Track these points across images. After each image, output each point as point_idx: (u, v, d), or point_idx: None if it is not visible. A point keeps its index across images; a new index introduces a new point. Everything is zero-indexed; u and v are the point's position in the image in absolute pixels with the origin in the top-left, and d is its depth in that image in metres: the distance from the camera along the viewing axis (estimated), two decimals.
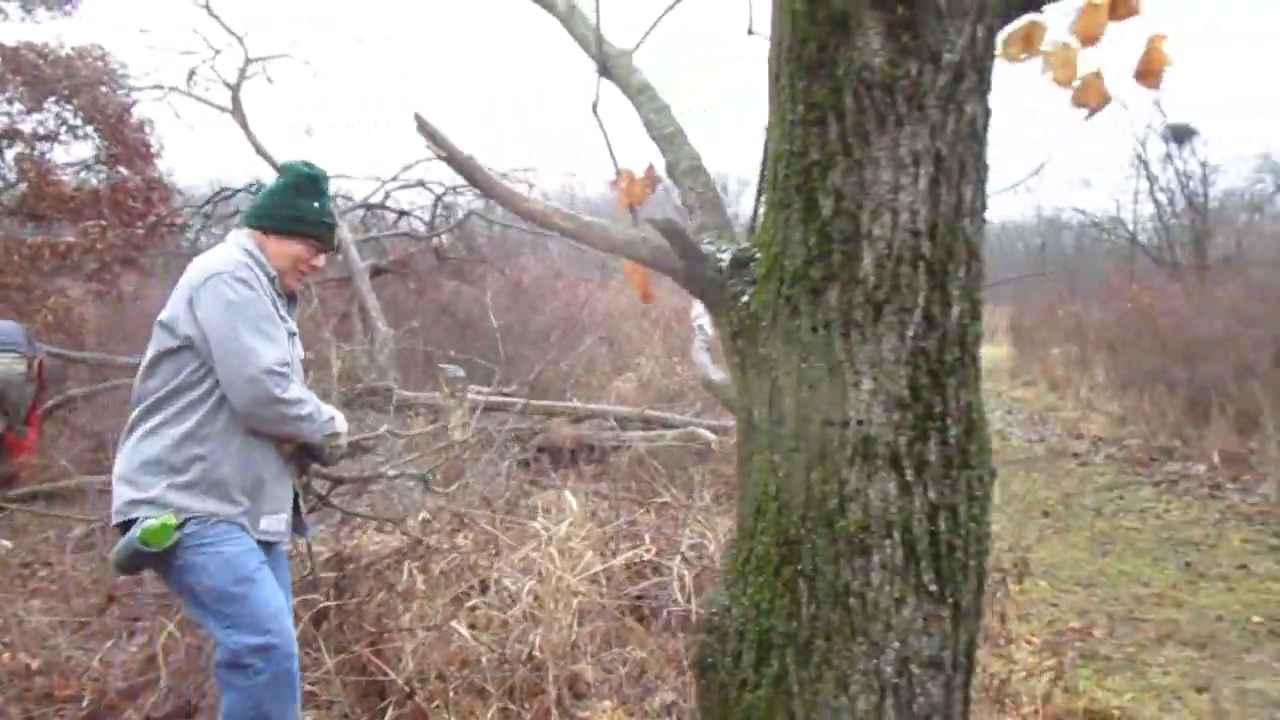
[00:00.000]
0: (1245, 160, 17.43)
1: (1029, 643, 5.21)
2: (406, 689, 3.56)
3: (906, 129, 1.21)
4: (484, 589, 4.19)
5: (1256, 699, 4.69)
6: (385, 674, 3.60)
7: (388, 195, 10.24)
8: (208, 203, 10.03)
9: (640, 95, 1.78)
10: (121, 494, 2.54)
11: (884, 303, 1.21)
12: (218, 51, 9.07)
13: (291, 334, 2.73)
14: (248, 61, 9.21)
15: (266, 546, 2.67)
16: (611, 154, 1.64)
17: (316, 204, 2.75)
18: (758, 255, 1.38)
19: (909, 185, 1.21)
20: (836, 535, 1.20)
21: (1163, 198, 14.51)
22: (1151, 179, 14.53)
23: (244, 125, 9.10)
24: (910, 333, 1.20)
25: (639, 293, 1.70)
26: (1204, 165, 14.18)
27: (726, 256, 1.44)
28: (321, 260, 2.83)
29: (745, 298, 1.36)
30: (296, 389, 2.59)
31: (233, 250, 2.65)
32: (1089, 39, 1.59)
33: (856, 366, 1.22)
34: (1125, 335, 11.59)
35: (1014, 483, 9.01)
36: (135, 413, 2.60)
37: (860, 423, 1.21)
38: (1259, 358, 9.39)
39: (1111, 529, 7.69)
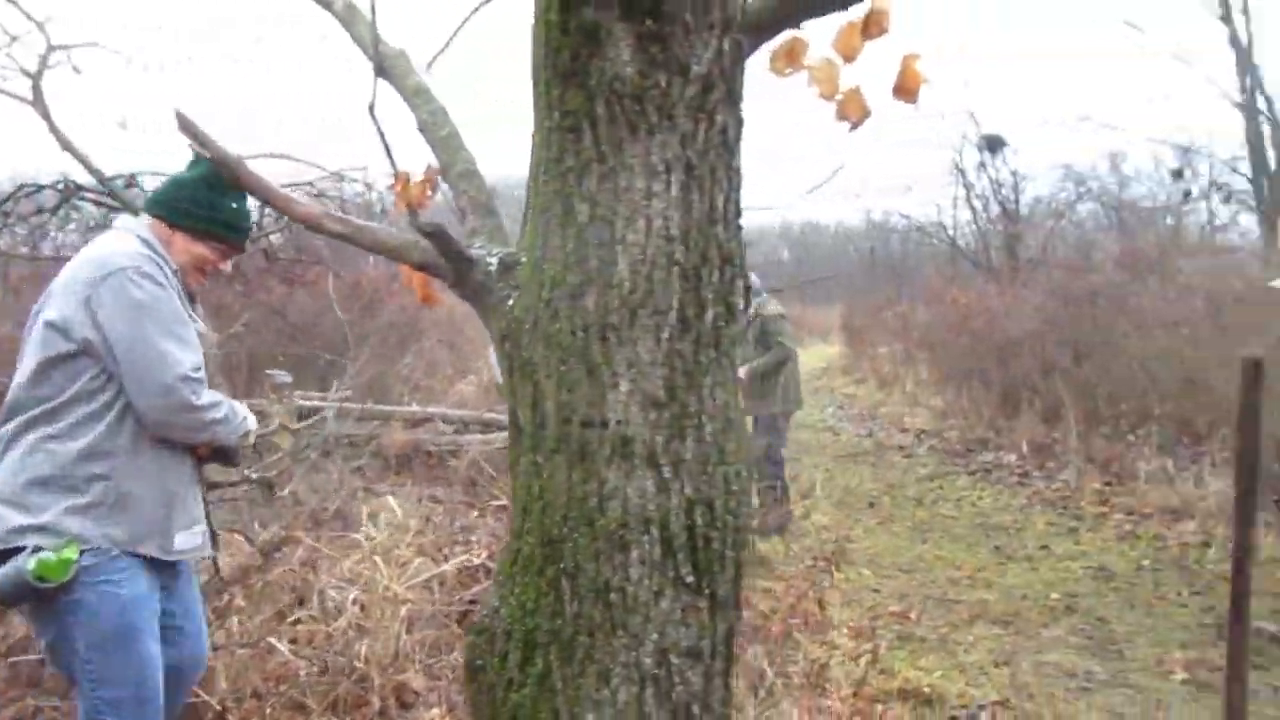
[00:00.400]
0: (1051, 170, 18.78)
1: (850, 628, 5.45)
2: (219, 708, 3.42)
3: (658, 138, 1.25)
4: (303, 602, 4.08)
5: (1052, 670, 5.04)
6: (197, 695, 3.45)
7: None
8: (8, 199, 9.30)
9: (415, 97, 1.77)
10: (2, 517, 2.23)
11: (639, 307, 1.25)
12: (15, 38, 8.42)
13: (199, 334, 2.47)
14: (50, 49, 8.59)
15: (170, 566, 2.43)
16: (389, 155, 1.62)
17: (235, 204, 2.46)
18: (523, 259, 1.40)
19: (661, 192, 1.25)
20: (597, 533, 1.23)
21: (978, 204, 15.49)
22: (968, 186, 15.50)
23: (46, 117, 8.47)
24: (665, 335, 1.25)
25: (419, 296, 1.68)
26: (1014, 174, 15.22)
27: (494, 260, 1.45)
28: (229, 264, 2.57)
29: (511, 301, 1.38)
30: (209, 393, 2.36)
31: (130, 241, 2.33)
32: (849, 56, 1.69)
33: (614, 369, 1.25)
34: (945, 335, 12.27)
35: (841, 476, 9.43)
36: (14, 424, 2.28)
37: (619, 423, 1.25)
38: (1061, 355, 10.12)
39: (930, 517, 8.13)
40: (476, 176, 1.66)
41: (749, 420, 7.53)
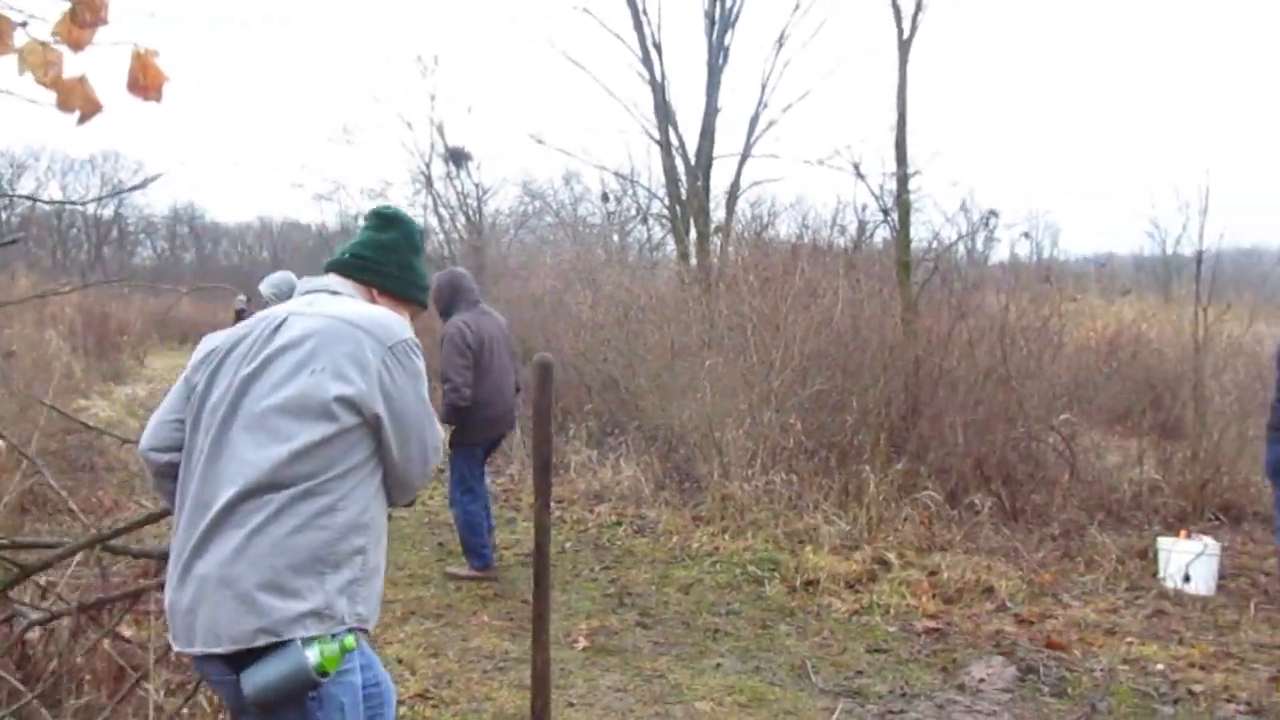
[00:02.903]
0: (513, 184, 20.07)
1: None
2: None
3: None
4: None
5: (475, 655, 5.34)
6: None
7: None
8: None
9: None
10: (272, 607, 2.01)
11: None
12: None
13: None
14: None
15: None
16: None
17: (423, 266, 2.54)
18: None
19: None
20: None
21: (445, 213, 16.10)
22: (436, 196, 16.02)
23: None
24: None
25: None
26: (478, 186, 16.08)
27: None
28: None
29: None
30: None
31: (378, 307, 2.33)
32: (76, 44, 1.59)
33: None
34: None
35: None
36: (269, 501, 2.06)
37: None
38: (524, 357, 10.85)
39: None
40: None
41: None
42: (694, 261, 11.56)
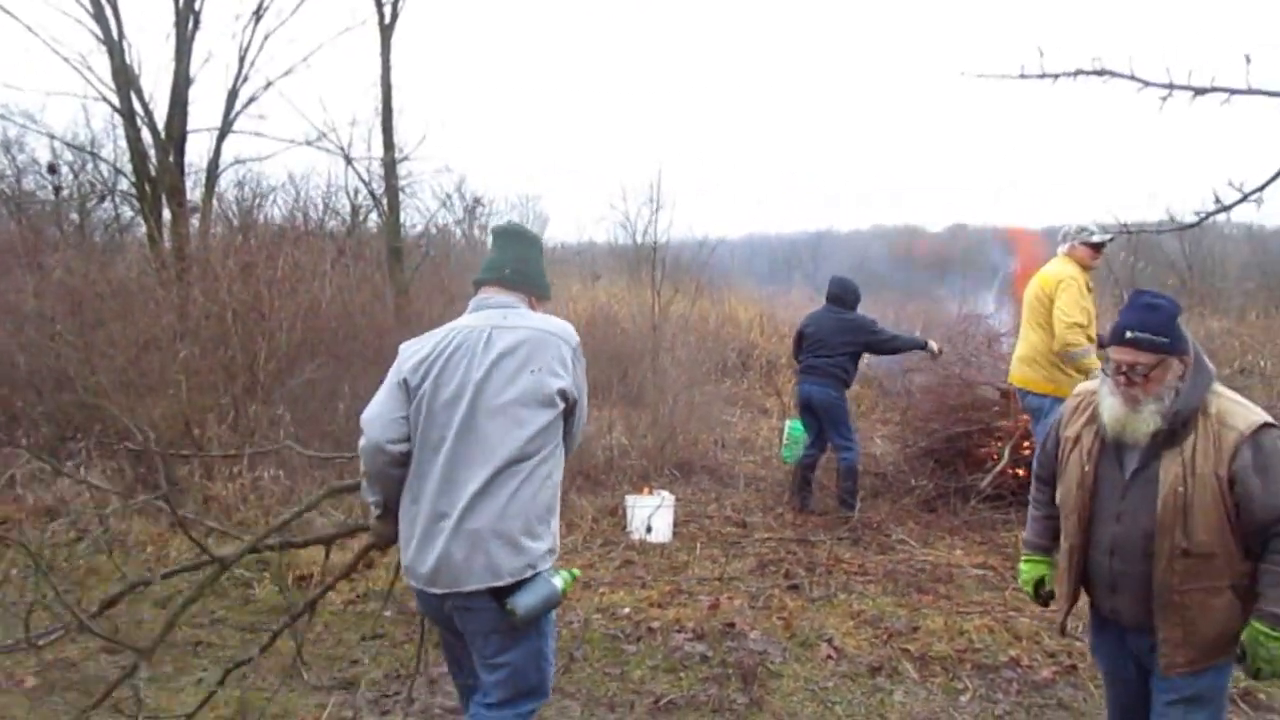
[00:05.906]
0: None
1: None
2: None
3: None
4: None
5: None
6: None
7: None
8: None
9: None
10: (528, 548, 2.73)
11: None
12: None
13: None
14: None
15: None
16: None
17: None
18: None
19: None
20: None
21: None
22: None
23: None
24: None
25: None
26: None
27: None
28: None
29: None
30: None
31: (555, 317, 2.99)
32: None
33: None
34: None
35: None
36: (521, 467, 2.74)
37: None
38: None
39: None
40: None
41: None
42: (168, 245, 10.50)
